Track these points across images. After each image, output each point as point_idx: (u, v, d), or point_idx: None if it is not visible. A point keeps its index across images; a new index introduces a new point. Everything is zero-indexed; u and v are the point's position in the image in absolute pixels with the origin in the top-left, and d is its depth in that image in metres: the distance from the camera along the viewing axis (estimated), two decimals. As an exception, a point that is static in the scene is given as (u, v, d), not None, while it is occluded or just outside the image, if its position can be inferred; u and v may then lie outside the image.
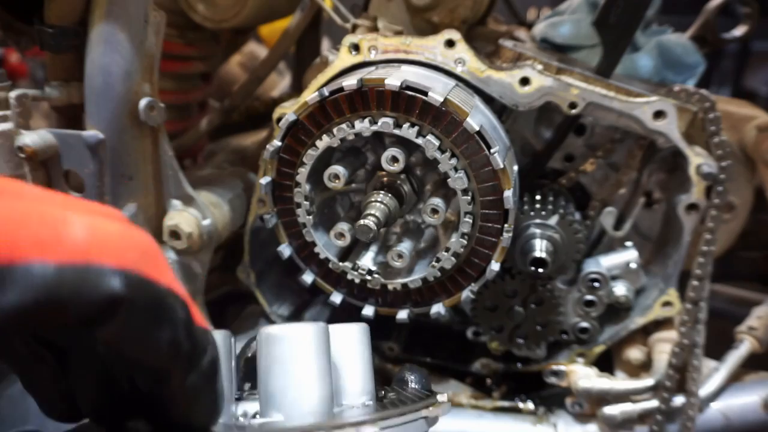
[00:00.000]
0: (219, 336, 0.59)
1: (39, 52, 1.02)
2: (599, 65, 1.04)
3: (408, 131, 0.91)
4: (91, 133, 0.95)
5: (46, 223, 0.42)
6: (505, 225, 0.95)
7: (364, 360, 0.63)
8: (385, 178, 0.99)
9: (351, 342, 0.63)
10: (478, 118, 0.92)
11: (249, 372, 0.67)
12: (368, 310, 1.06)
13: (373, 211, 0.92)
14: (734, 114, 1.20)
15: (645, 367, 1.15)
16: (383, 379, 1.28)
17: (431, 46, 1.01)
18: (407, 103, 0.91)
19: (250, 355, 0.69)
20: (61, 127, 1.02)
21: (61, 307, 0.41)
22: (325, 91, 0.94)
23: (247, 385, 0.67)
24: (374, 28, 1.13)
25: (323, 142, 0.95)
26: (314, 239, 1.02)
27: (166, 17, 1.01)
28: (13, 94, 0.94)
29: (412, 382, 0.72)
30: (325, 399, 0.58)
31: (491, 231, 0.96)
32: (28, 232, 0.41)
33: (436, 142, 0.91)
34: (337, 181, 0.94)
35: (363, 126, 0.93)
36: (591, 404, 1.11)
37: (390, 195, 0.95)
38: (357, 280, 1.02)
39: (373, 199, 0.94)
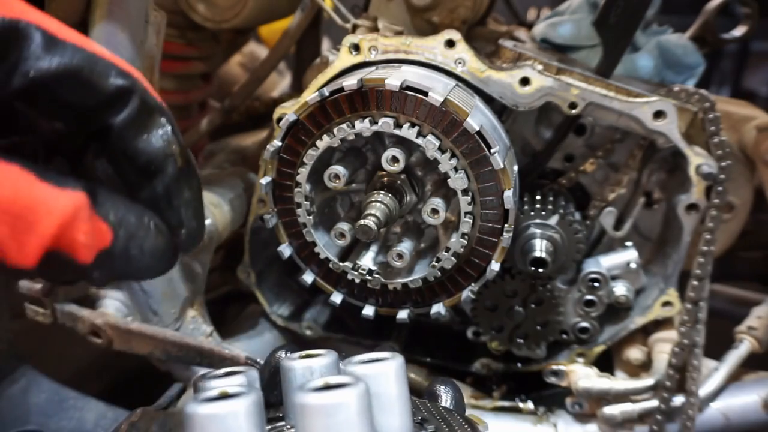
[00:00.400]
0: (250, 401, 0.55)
1: (39, 53, 1.02)
2: (599, 65, 1.04)
3: (408, 131, 0.91)
4: (92, 133, 0.95)
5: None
6: (505, 225, 0.95)
7: (402, 398, 0.57)
8: (385, 178, 0.99)
9: (389, 382, 0.57)
10: (478, 118, 0.92)
11: (273, 381, 0.66)
12: (368, 310, 1.06)
13: (373, 211, 0.92)
14: (734, 114, 1.20)
15: (645, 367, 1.15)
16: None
17: (431, 46, 1.01)
18: (407, 103, 0.92)
19: (274, 365, 0.66)
20: (62, 127, 1.02)
21: (92, 78, 0.55)
22: (326, 91, 0.94)
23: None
24: (374, 29, 1.13)
25: (323, 142, 0.95)
26: (314, 239, 1.02)
27: (166, 17, 1.01)
28: (13, 94, 0.94)
29: (445, 400, 0.69)
30: None
31: (491, 231, 0.96)
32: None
33: (436, 142, 0.91)
34: (337, 181, 0.94)
35: (363, 126, 0.93)
36: (591, 404, 1.11)
37: (390, 195, 0.95)
38: (357, 280, 1.02)
39: (373, 199, 0.94)
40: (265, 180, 1.02)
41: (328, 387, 0.51)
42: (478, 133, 0.91)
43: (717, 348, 1.14)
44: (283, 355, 0.64)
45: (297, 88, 1.75)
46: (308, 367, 0.59)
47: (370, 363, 0.57)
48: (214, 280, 1.35)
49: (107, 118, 0.57)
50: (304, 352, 0.62)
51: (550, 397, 1.20)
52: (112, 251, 0.55)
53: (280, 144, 0.99)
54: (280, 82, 2.11)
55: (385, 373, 0.56)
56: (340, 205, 1.10)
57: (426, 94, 0.90)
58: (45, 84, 0.53)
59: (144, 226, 0.57)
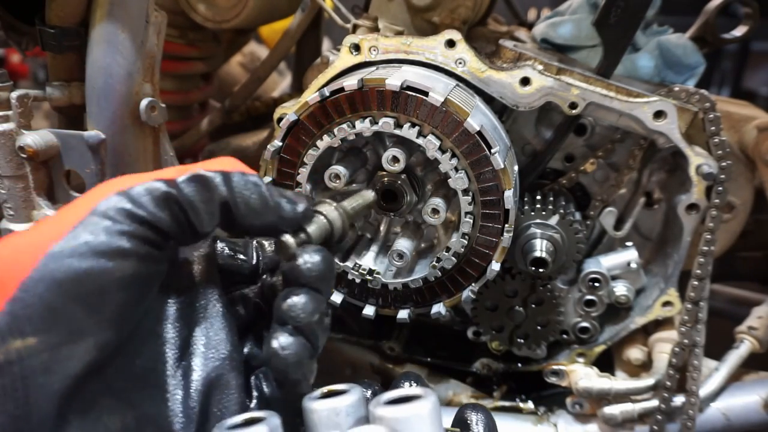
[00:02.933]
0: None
1: (40, 53, 1.02)
2: (599, 65, 1.04)
3: (408, 131, 0.92)
4: (93, 133, 0.95)
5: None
6: (506, 225, 0.95)
7: None
8: (385, 178, 0.99)
9: (423, 425, 0.51)
10: (478, 118, 0.92)
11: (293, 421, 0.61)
12: (369, 310, 1.06)
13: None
14: (734, 114, 1.20)
15: (645, 367, 1.15)
16: (384, 379, 1.29)
17: (432, 47, 1.01)
18: (408, 103, 0.92)
19: None
20: (63, 128, 1.02)
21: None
22: (326, 91, 0.94)
23: None
24: (375, 29, 1.13)
25: (324, 142, 0.96)
26: (315, 239, 1.02)
27: (167, 18, 1.01)
28: (14, 94, 0.94)
29: (479, 430, 0.64)
30: None
31: (492, 231, 0.96)
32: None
33: (437, 143, 0.91)
34: (337, 181, 0.94)
35: (364, 126, 0.93)
36: (591, 404, 1.11)
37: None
38: (357, 280, 1.02)
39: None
40: (265, 180, 1.02)
41: None
42: (479, 133, 0.91)
43: (717, 348, 1.14)
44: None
45: (297, 88, 1.75)
46: (333, 409, 0.54)
47: (402, 404, 0.52)
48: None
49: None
50: (326, 389, 0.57)
51: (551, 397, 1.20)
52: None
53: (280, 144, 0.99)
54: (280, 82, 2.11)
55: (420, 414, 0.51)
56: (340, 205, 1.10)
57: (426, 94, 0.90)
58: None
59: None
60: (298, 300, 0.58)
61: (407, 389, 0.54)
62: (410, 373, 0.69)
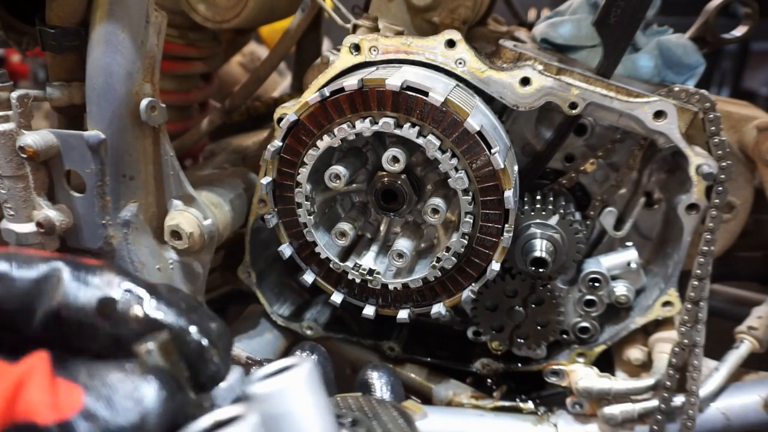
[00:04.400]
0: None
1: (40, 53, 1.02)
2: (599, 65, 1.04)
3: (409, 131, 0.92)
4: (93, 133, 0.95)
5: None
6: (506, 225, 0.95)
7: (317, 409, 0.48)
8: (385, 178, 0.99)
9: (299, 395, 0.48)
10: (478, 118, 0.92)
11: None
12: (369, 310, 1.06)
13: None
14: (734, 114, 1.20)
15: (645, 367, 1.15)
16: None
17: (432, 47, 1.01)
18: (408, 103, 0.92)
19: None
20: (63, 128, 1.02)
21: None
22: (326, 92, 0.94)
23: None
24: (375, 29, 1.13)
25: (324, 142, 0.96)
26: (315, 239, 1.02)
27: (167, 17, 1.01)
28: (14, 94, 0.94)
29: (379, 388, 0.62)
30: None
31: (492, 231, 0.96)
32: None
33: (437, 142, 0.91)
34: (338, 181, 0.94)
35: (364, 126, 0.93)
36: (591, 404, 1.11)
37: None
38: (358, 280, 1.02)
39: None
40: (265, 180, 1.02)
41: (219, 425, 0.44)
42: (479, 133, 0.91)
43: (717, 348, 1.14)
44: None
45: (297, 89, 1.75)
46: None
47: (272, 377, 0.48)
48: (215, 280, 1.35)
49: None
50: None
51: (551, 397, 1.20)
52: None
53: (280, 144, 0.99)
54: (280, 83, 2.11)
55: (291, 386, 0.47)
56: (340, 205, 1.10)
57: (426, 94, 0.90)
58: None
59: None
60: None
61: (281, 361, 0.50)
62: (305, 342, 0.63)
